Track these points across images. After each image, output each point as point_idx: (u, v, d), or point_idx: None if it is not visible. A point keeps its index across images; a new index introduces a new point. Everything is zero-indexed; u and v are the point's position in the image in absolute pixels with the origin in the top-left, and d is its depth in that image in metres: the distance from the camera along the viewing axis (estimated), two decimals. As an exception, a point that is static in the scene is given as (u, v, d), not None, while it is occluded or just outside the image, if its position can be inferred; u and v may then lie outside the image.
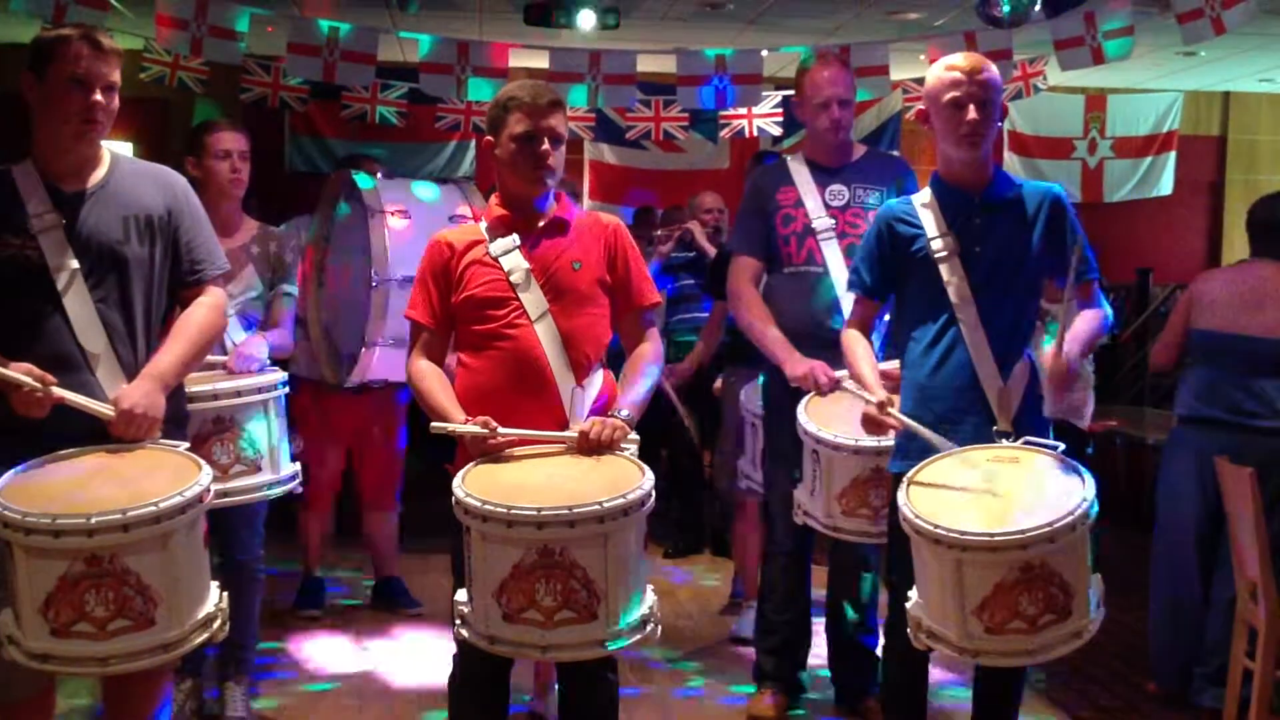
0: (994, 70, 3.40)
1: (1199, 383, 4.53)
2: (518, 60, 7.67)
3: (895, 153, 9.51)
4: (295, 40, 7.21)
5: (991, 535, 2.93)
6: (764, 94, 8.25)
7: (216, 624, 2.91)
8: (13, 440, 2.93)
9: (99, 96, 3.01)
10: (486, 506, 2.93)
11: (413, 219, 5.04)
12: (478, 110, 8.34)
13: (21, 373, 2.87)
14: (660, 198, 9.72)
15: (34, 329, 3.00)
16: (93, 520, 2.67)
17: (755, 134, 8.87)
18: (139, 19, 7.31)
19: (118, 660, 2.74)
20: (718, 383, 5.75)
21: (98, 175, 3.10)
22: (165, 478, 2.86)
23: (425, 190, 5.37)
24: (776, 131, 8.85)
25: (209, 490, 2.88)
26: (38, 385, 2.87)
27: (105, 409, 2.96)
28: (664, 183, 10.64)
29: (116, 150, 3.21)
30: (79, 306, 3.01)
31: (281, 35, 7.32)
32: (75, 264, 3.01)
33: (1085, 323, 3.40)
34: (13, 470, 2.86)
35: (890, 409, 3.33)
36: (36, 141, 3.10)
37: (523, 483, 3.05)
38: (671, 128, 8.65)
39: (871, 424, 3.37)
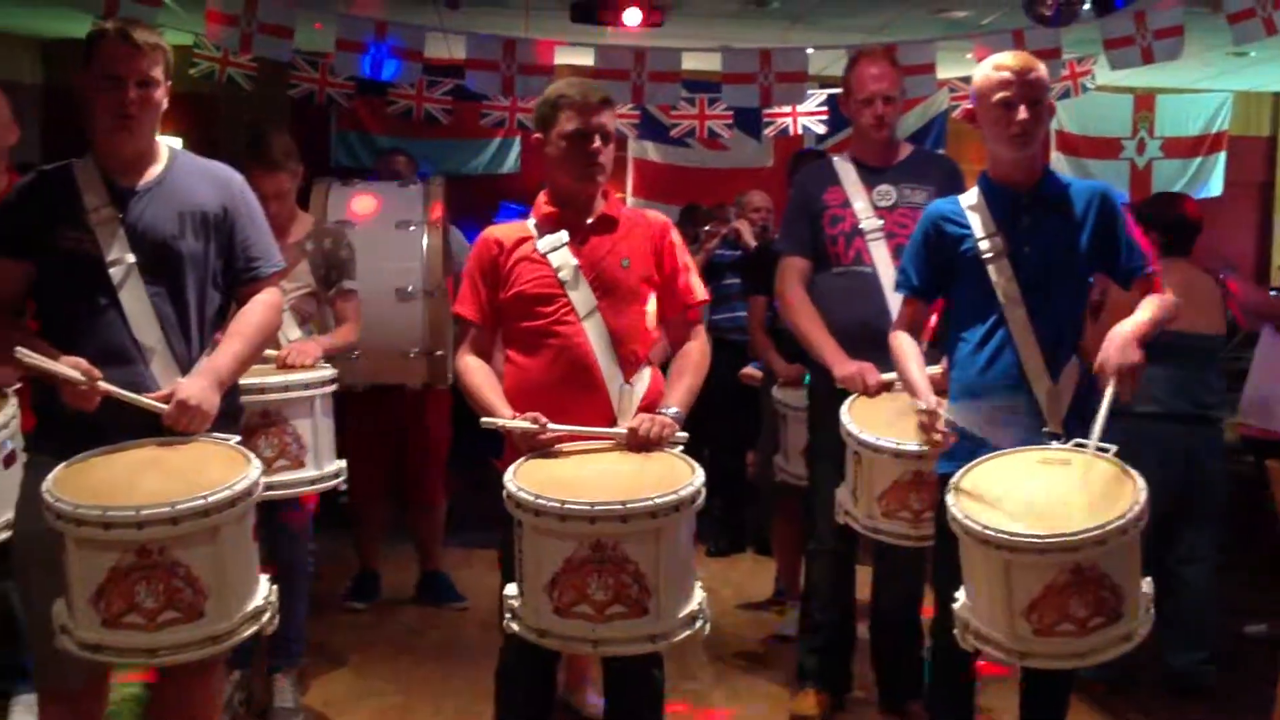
0: (1043, 70, 3.38)
1: (1168, 381, 4.60)
2: (563, 58, 7.70)
3: (941, 152, 9.47)
4: (344, 37, 7.28)
5: (1041, 537, 2.91)
6: (809, 92, 8.23)
7: (266, 617, 2.92)
8: (67, 433, 2.95)
9: (132, 93, 3.00)
10: (539, 500, 2.94)
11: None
12: (522, 107, 8.37)
13: (69, 366, 2.88)
14: (704, 196, 9.72)
15: (90, 322, 3.02)
16: (142, 513, 2.68)
17: (799, 132, 8.86)
18: (190, 15, 7.37)
19: (166, 651, 2.76)
20: (748, 369, 5.75)
21: (155, 171, 3.12)
22: (214, 471, 2.87)
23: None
24: (821, 130, 8.84)
25: (258, 484, 2.89)
26: (83, 380, 2.88)
27: (154, 403, 2.97)
28: (707, 181, 10.63)
29: (174, 146, 3.22)
30: (134, 300, 3.02)
31: (330, 32, 7.38)
32: (131, 258, 3.02)
33: (1149, 307, 3.35)
34: (64, 462, 2.87)
35: (940, 419, 3.32)
36: (92, 137, 3.12)
37: (574, 478, 3.07)
38: (716, 125, 8.65)
39: (925, 432, 3.38)
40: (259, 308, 3.21)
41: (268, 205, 4.22)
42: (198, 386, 2.99)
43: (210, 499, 2.74)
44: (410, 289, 4.92)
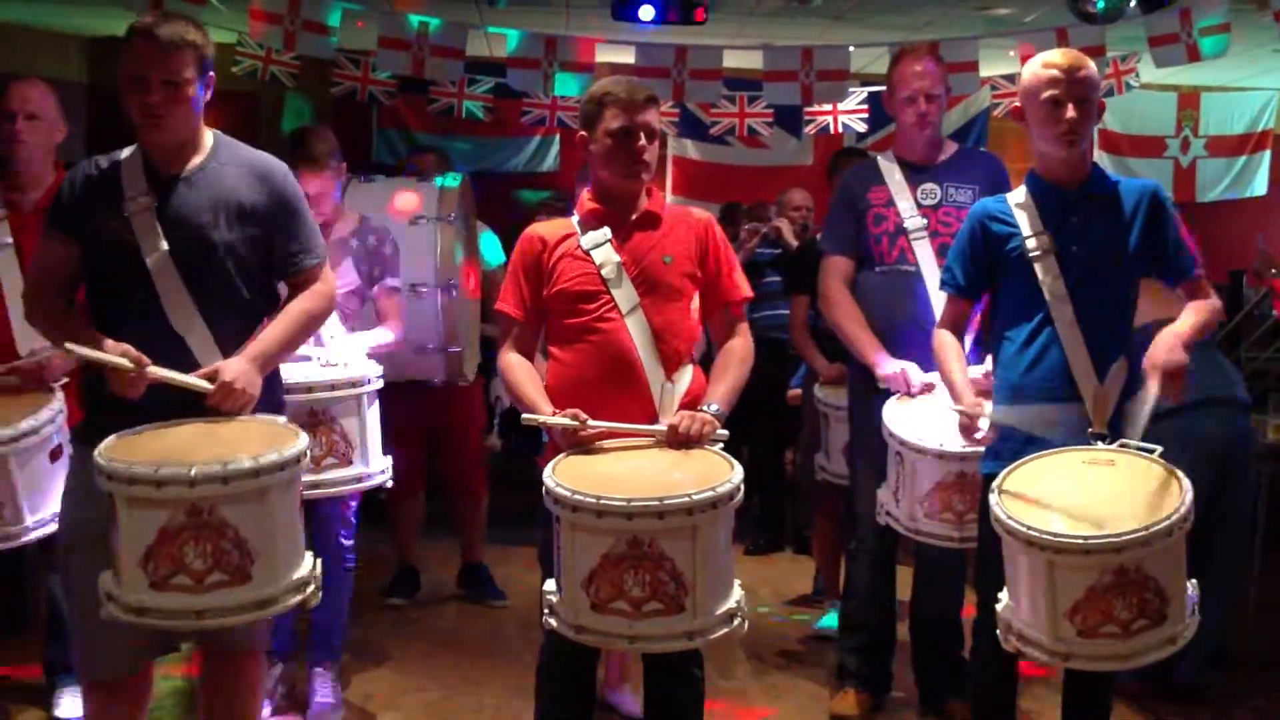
0: (1093, 68, 3.35)
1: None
2: (604, 55, 7.70)
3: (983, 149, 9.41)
4: (386, 35, 7.31)
5: (1085, 538, 2.89)
6: (850, 90, 8.19)
7: (309, 589, 2.93)
8: (113, 417, 2.97)
9: (156, 94, 2.98)
10: (576, 496, 2.94)
11: None
12: (563, 105, 8.39)
13: (118, 354, 2.91)
14: (744, 194, 9.70)
15: (130, 310, 3.04)
16: (194, 471, 2.71)
17: (840, 130, 8.83)
18: (233, 14, 7.42)
19: (213, 614, 2.77)
20: (792, 391, 5.77)
21: (196, 160, 3.11)
22: (263, 439, 2.92)
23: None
24: (862, 128, 8.80)
25: (306, 454, 2.92)
26: (131, 366, 2.91)
27: (202, 383, 2.98)
28: (747, 179, 10.62)
29: (220, 135, 3.19)
30: (170, 288, 3.02)
31: (371, 30, 7.41)
32: (165, 245, 3.02)
33: (1196, 312, 3.33)
34: (114, 435, 2.90)
35: (982, 420, 3.31)
36: (130, 119, 3.11)
37: (612, 474, 3.06)
38: (756, 123, 8.63)
39: (965, 433, 3.37)
40: (308, 296, 3.22)
41: (311, 203, 4.28)
42: (240, 367, 3.01)
43: (261, 461, 2.78)
44: (423, 285, 4.93)
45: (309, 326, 3.26)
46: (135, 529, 2.75)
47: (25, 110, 4.06)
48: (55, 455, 3.80)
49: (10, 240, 4.05)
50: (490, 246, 6.14)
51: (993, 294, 3.52)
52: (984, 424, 3.32)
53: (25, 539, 3.81)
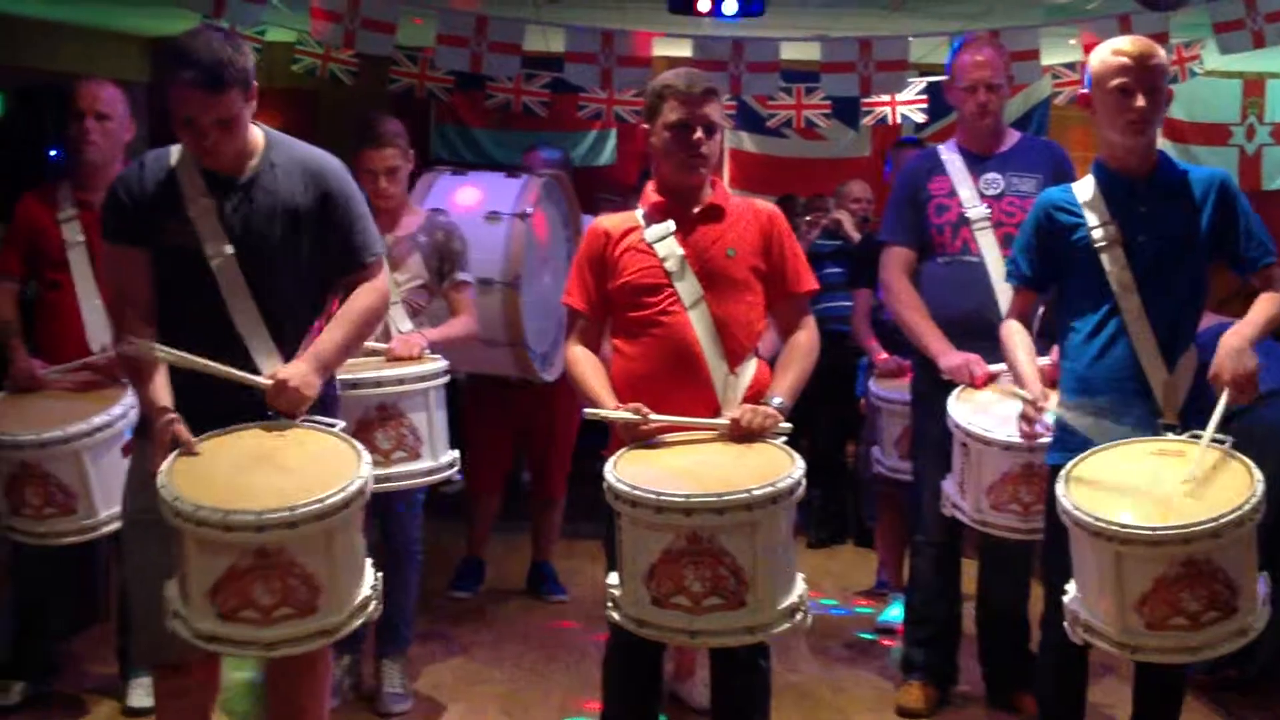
0: (1162, 56, 3.31)
1: None
2: (661, 49, 7.69)
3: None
4: (444, 32, 7.34)
5: (1154, 529, 2.86)
6: (908, 80, 8.14)
7: (372, 606, 2.94)
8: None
9: (211, 136, 2.94)
10: (636, 492, 2.95)
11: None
12: (619, 99, 8.38)
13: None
14: (800, 186, 9.65)
15: (193, 313, 3.04)
16: (263, 517, 2.70)
17: (898, 121, 8.77)
18: (294, 13, 7.48)
19: (282, 645, 2.79)
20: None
21: (251, 163, 3.07)
22: (326, 467, 2.88)
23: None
24: (921, 118, 8.73)
25: (369, 481, 2.90)
26: (199, 363, 2.91)
27: (258, 379, 2.98)
28: (804, 171, 10.55)
29: (273, 134, 3.15)
30: (233, 290, 3.02)
31: (429, 27, 7.45)
32: (229, 249, 3.01)
33: (1266, 305, 3.29)
34: (175, 451, 2.89)
35: (1044, 409, 3.28)
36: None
37: (674, 468, 3.07)
38: (813, 115, 8.58)
39: (1026, 422, 3.34)
40: (364, 295, 3.18)
41: (379, 182, 4.31)
42: (298, 369, 3.00)
43: (327, 502, 2.75)
44: (491, 280, 4.95)
45: (369, 325, 3.24)
46: (203, 566, 2.75)
47: (95, 110, 4.13)
48: (127, 450, 3.85)
49: (82, 239, 4.13)
50: None
51: (1058, 284, 3.50)
52: (1048, 418, 3.30)
53: (99, 532, 3.91)
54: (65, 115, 4.21)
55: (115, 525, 3.77)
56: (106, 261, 3.20)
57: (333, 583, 2.81)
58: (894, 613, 5.14)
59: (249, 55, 3.01)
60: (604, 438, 3.38)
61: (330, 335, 3.13)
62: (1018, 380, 3.43)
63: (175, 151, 3.09)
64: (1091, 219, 3.34)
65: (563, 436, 5.72)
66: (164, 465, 2.84)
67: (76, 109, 4.13)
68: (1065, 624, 3.15)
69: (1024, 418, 3.38)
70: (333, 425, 3.05)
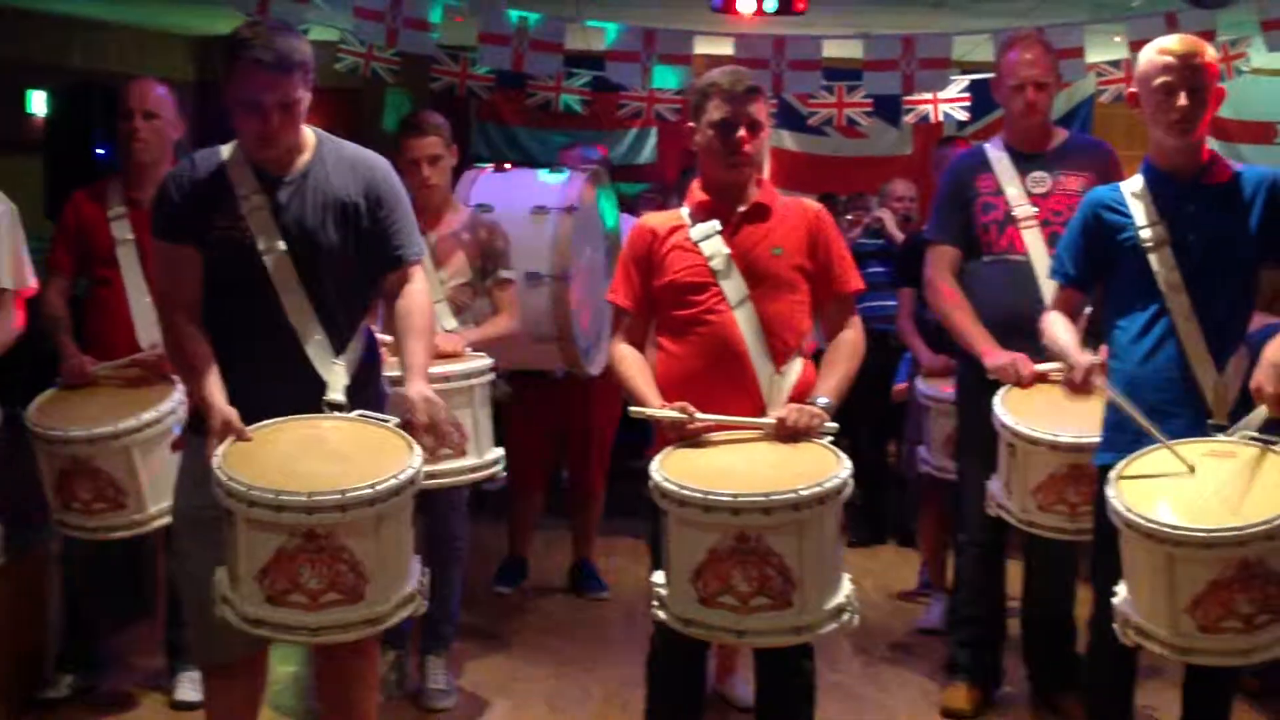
0: (1210, 55, 3.28)
1: None
2: (702, 47, 7.69)
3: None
4: (486, 30, 7.37)
5: (1207, 531, 2.83)
6: (951, 78, 8.10)
7: (418, 600, 2.95)
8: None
9: (274, 119, 2.97)
10: (684, 491, 2.95)
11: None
12: (660, 97, 8.39)
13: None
14: (841, 185, 9.63)
15: (245, 309, 3.06)
16: (313, 498, 2.72)
17: (940, 119, 8.73)
18: (336, 11, 7.53)
19: (328, 631, 2.80)
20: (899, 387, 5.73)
21: (300, 161, 3.10)
22: (379, 457, 2.90)
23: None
24: (963, 116, 8.70)
25: (420, 473, 2.92)
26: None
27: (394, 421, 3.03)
28: (844, 170, 10.54)
29: (321, 133, 3.18)
30: (286, 287, 3.04)
31: (470, 25, 7.48)
32: (282, 245, 3.03)
33: None
34: (229, 438, 2.91)
35: (1097, 373, 3.26)
36: (238, 133, 3.11)
37: (720, 468, 3.06)
38: (855, 114, 8.56)
39: (1076, 388, 3.33)
40: (414, 296, 3.20)
41: (422, 170, 4.32)
42: (419, 392, 3.03)
43: (378, 488, 2.77)
44: (540, 274, 4.96)
45: (433, 326, 3.28)
46: (253, 547, 2.78)
47: (144, 109, 4.17)
48: (176, 446, 3.88)
49: (132, 236, 4.16)
50: None
51: (1105, 283, 3.47)
52: (1098, 381, 3.27)
53: (148, 527, 3.94)
54: (113, 114, 4.25)
55: (163, 520, 3.84)
56: (156, 258, 3.23)
57: (380, 571, 2.82)
58: (936, 614, 5.12)
59: (309, 46, 3.05)
60: (638, 434, 3.38)
61: (415, 348, 3.14)
62: (1059, 352, 3.41)
63: (226, 150, 3.12)
64: (1140, 219, 3.31)
65: (602, 433, 5.73)
66: (219, 449, 2.87)
67: (126, 108, 4.17)
68: (1115, 626, 3.11)
69: (1071, 383, 3.35)
70: (385, 421, 3.06)
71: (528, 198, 5.04)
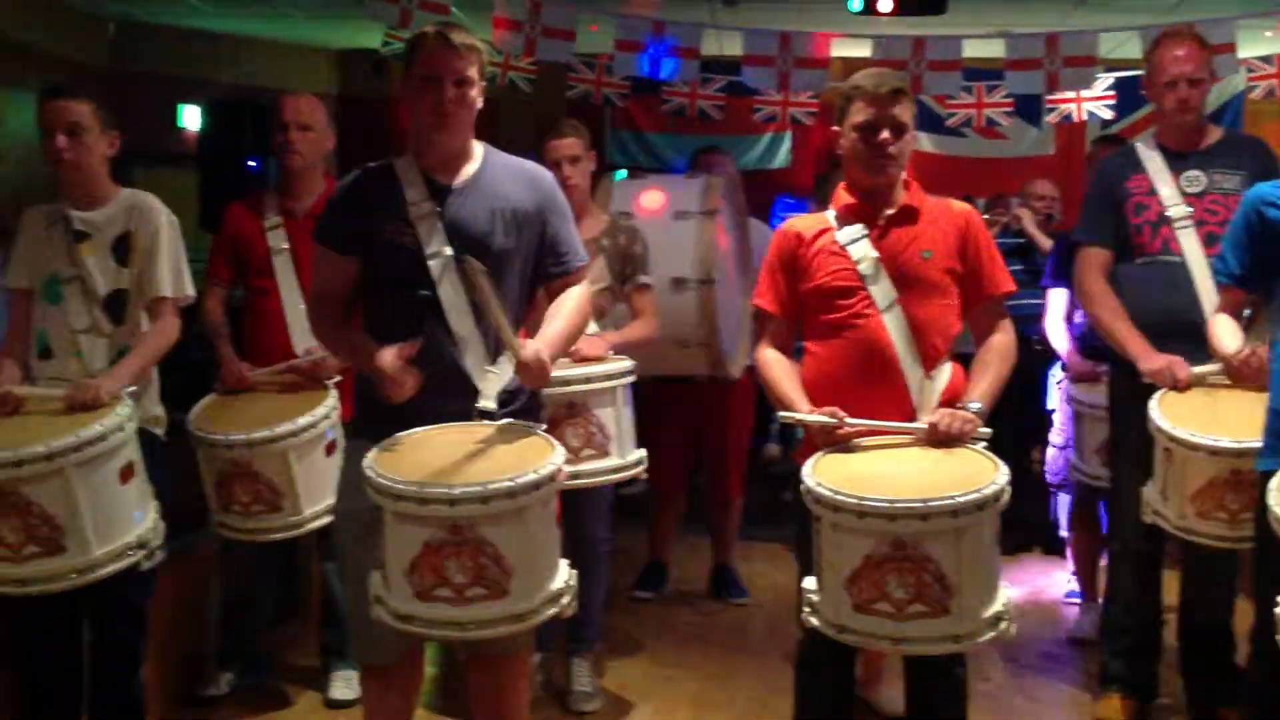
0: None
1: None
2: (840, 50, 7.63)
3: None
4: (621, 38, 7.41)
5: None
6: (1096, 76, 7.92)
7: (565, 600, 2.97)
8: (384, 419, 3.05)
9: (450, 92, 3.08)
10: (839, 496, 2.92)
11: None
12: (794, 101, 8.34)
13: (388, 360, 3.00)
14: (979, 186, 9.46)
15: (408, 312, 3.11)
16: (455, 490, 2.78)
17: (1084, 118, 8.55)
18: (473, 22, 7.63)
19: (474, 626, 2.85)
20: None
21: (470, 169, 3.19)
22: (522, 455, 2.94)
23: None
24: (1108, 115, 8.50)
25: (562, 469, 2.95)
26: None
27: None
28: (984, 171, 10.33)
29: (488, 145, 3.29)
30: (451, 292, 3.10)
31: (606, 33, 7.53)
32: (449, 251, 3.10)
33: None
34: (380, 444, 2.98)
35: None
36: (412, 136, 3.22)
37: (873, 474, 3.03)
38: (995, 114, 8.41)
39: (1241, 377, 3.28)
40: (575, 295, 3.25)
41: (562, 169, 4.37)
42: (534, 350, 3.03)
43: (518, 481, 2.80)
44: (685, 279, 4.97)
45: (583, 323, 3.30)
46: (401, 541, 2.84)
47: (298, 121, 4.29)
48: (330, 450, 4.01)
49: (287, 246, 4.28)
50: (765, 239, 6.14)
51: (1268, 282, 3.37)
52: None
53: (303, 529, 4.04)
54: (263, 127, 4.38)
55: (317, 523, 3.96)
56: (315, 261, 3.32)
57: (524, 566, 2.85)
58: (1087, 623, 5.02)
59: (485, 52, 3.20)
60: (767, 438, 3.37)
61: (553, 325, 3.18)
62: (1217, 350, 3.32)
63: (398, 162, 3.22)
64: (1306, 215, 3.22)
65: (739, 437, 5.72)
66: (370, 453, 2.94)
67: (281, 121, 4.29)
68: (1277, 637, 3.02)
69: (1234, 373, 3.30)
70: (533, 428, 3.11)
71: (669, 203, 5.07)
